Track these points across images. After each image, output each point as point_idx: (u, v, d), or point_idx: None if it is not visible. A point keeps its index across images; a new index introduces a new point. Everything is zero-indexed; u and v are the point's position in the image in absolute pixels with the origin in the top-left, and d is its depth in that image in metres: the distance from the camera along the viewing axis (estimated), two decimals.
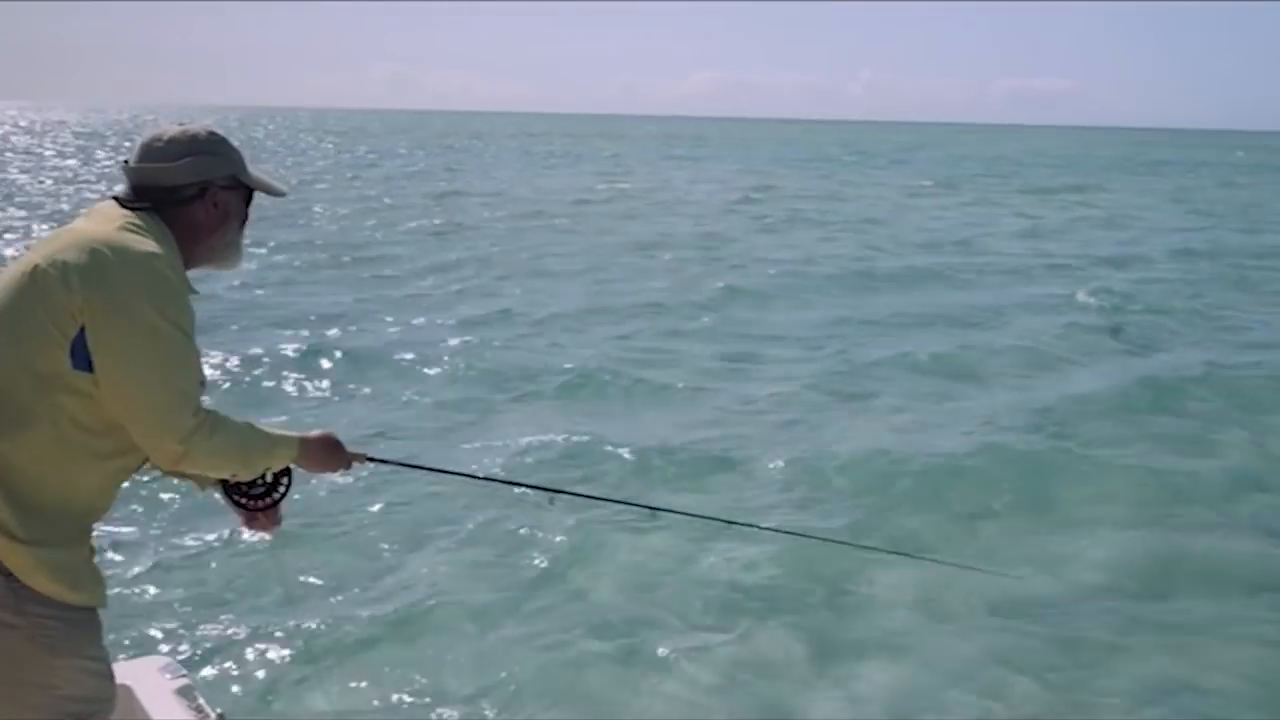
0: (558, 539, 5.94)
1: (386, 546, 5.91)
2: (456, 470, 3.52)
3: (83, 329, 2.05)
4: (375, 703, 4.41)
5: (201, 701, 2.72)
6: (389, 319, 12.17)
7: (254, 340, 10.59)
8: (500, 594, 5.37)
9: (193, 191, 2.26)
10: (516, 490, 5.81)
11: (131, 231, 2.15)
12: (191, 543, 5.75)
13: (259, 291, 13.56)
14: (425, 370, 9.83)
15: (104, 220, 2.18)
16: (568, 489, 5.72)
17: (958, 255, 19.14)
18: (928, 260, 18.17)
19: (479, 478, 4.94)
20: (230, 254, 2.39)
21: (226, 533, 5.70)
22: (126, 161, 2.28)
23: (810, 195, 32.84)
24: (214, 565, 5.54)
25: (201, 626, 4.91)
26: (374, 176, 36.42)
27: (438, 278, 15.35)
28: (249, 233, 2.44)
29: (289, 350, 10.17)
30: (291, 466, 2.40)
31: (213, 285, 13.55)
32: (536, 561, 5.72)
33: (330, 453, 2.40)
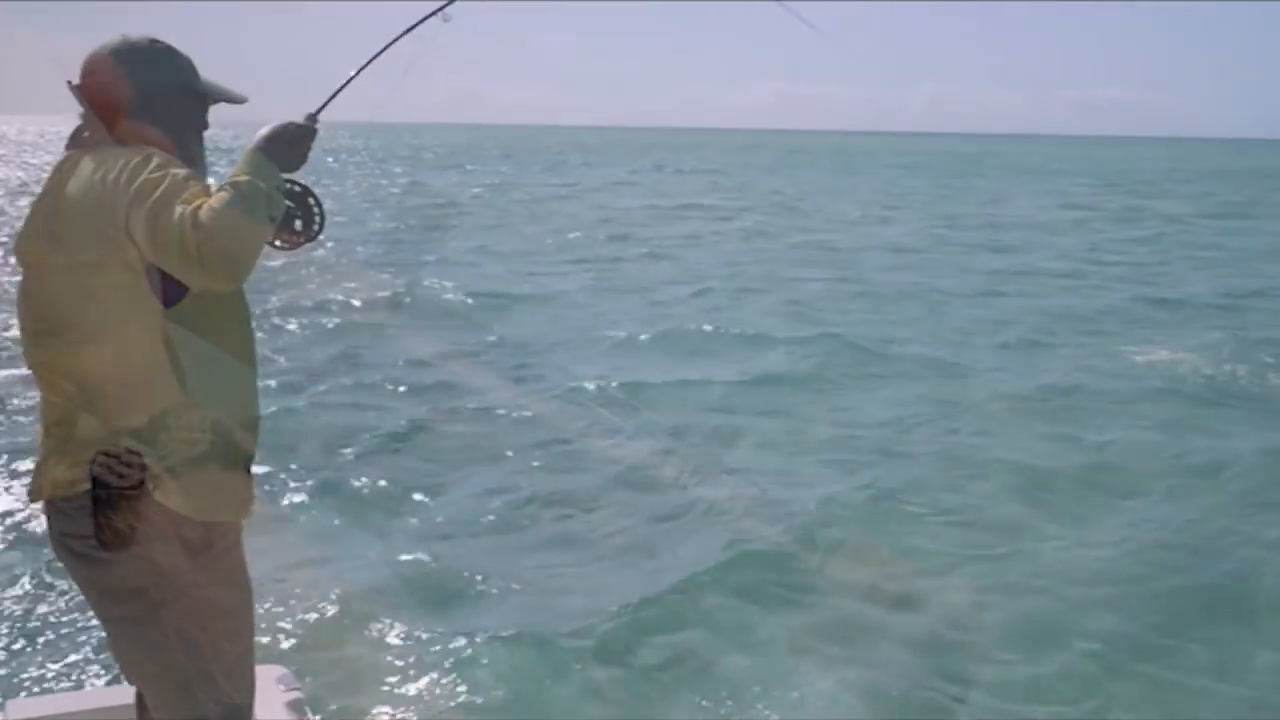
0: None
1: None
2: None
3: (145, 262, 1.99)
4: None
5: (311, 718, 2.76)
6: None
7: None
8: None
9: (140, 104, 2.16)
10: None
11: (97, 159, 2.07)
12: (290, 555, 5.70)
13: None
14: None
15: (74, 171, 2.10)
16: None
17: None
18: None
19: None
20: (193, 168, 2.20)
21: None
22: (70, 81, 2.18)
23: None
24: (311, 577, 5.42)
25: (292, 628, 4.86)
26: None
27: None
28: None
29: None
30: (300, 183, 2.31)
31: None
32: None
33: (293, 136, 2.16)
